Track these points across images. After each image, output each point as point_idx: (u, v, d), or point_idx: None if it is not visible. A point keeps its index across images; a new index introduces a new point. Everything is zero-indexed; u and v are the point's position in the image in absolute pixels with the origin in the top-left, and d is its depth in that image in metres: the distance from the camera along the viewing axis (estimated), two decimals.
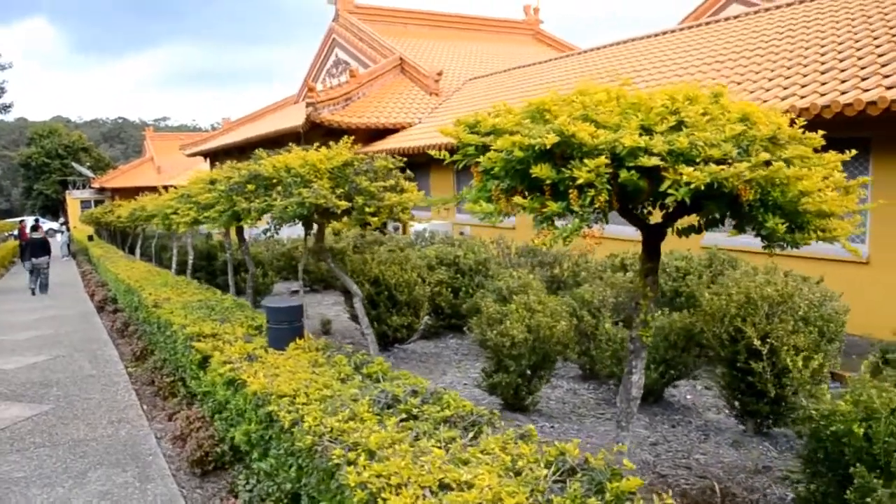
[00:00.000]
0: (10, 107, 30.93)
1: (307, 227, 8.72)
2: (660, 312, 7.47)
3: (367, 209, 6.42)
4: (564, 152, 3.59)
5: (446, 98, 25.70)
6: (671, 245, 11.67)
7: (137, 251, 22.61)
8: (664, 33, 20.60)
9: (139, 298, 11.54)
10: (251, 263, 10.95)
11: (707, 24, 19.57)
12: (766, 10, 18.07)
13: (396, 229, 20.02)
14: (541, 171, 3.49)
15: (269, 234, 7.88)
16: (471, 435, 3.61)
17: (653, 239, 4.45)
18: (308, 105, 21.40)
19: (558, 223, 3.77)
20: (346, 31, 31.75)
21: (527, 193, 3.75)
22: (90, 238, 34.27)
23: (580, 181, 3.40)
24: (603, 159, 3.40)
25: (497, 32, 36.91)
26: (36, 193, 67.87)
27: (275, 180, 6.66)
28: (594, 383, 8.35)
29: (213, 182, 8.00)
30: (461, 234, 17.85)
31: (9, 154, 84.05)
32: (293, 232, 20.57)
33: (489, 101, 22.58)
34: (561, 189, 3.52)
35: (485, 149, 3.89)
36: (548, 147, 3.43)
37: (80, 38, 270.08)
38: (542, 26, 38.77)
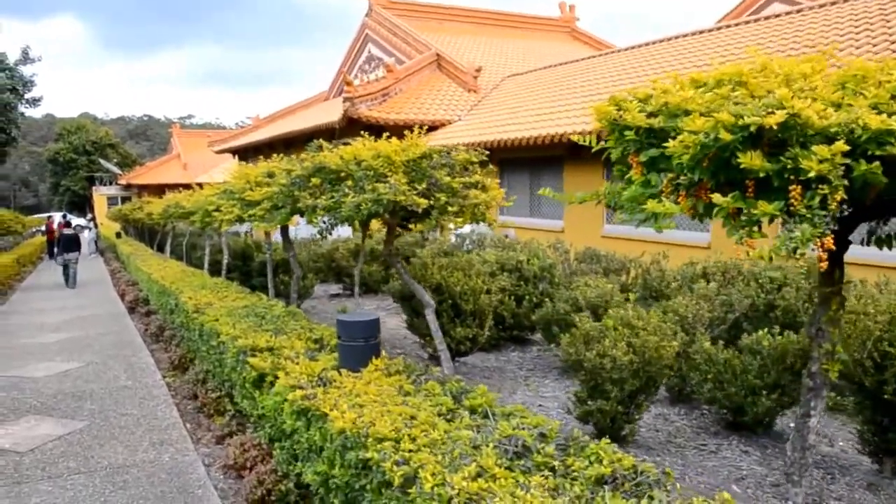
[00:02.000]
0: (39, 100, 30.45)
1: (364, 227, 7.90)
2: (764, 330, 6.57)
3: (449, 208, 5.57)
4: (774, 137, 2.72)
5: (485, 95, 24.83)
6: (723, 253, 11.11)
7: (167, 249, 21.92)
8: (703, 32, 19.75)
9: (176, 301, 10.79)
10: (297, 266, 10.15)
11: (746, 22, 18.65)
12: (810, 8, 17.22)
13: (432, 232, 19.18)
14: (751, 160, 2.62)
15: (323, 234, 7.08)
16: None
17: (841, 248, 3.55)
18: (345, 100, 20.62)
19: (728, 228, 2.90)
20: (379, 27, 30.98)
21: (713, 190, 2.88)
22: (118, 235, 33.81)
23: (811, 174, 2.52)
24: (841, 145, 2.52)
25: (532, 30, 35.97)
26: (63, 189, 67.91)
27: (343, 174, 5.84)
28: (684, 407, 7.47)
29: (270, 175, 7.17)
30: (505, 236, 16.91)
31: (37, 150, 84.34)
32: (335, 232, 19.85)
33: (530, 99, 21.78)
34: (776, 184, 2.64)
35: (649, 133, 3.03)
36: (770, 127, 2.56)
37: (107, 35, 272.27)
38: (577, 24, 37.77)
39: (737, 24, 19.05)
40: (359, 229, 8.15)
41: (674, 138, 2.83)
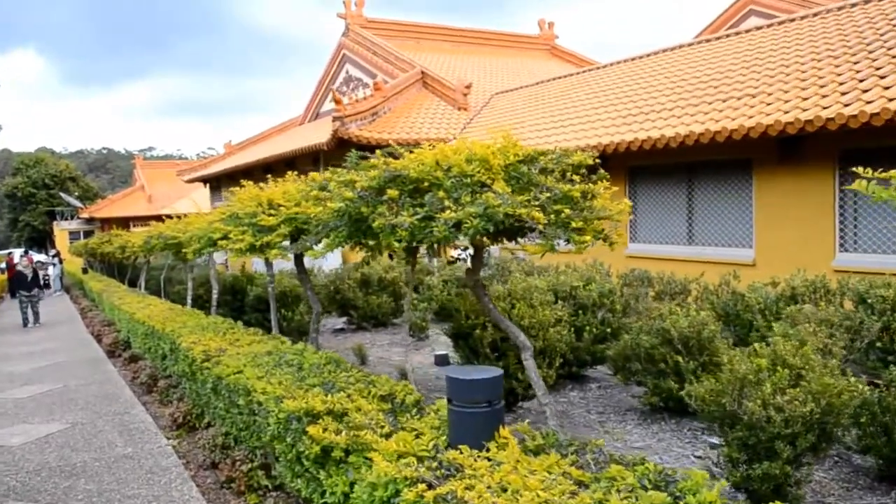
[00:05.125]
0: None
1: (413, 253, 6.53)
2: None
3: (572, 223, 4.25)
4: None
5: (476, 113, 23.69)
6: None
7: (142, 284, 20.25)
8: (682, 47, 19.20)
9: (172, 346, 9.28)
10: (316, 301, 8.72)
11: (727, 36, 17.97)
12: (770, 25, 16.67)
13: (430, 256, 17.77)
14: None
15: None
16: None
17: None
18: (335, 119, 19.27)
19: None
20: (357, 46, 29.75)
21: None
22: (84, 270, 31.85)
23: None
24: None
25: (511, 47, 35.10)
26: (22, 225, 65.36)
27: (426, 183, 4.50)
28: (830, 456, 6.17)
29: (322, 188, 5.73)
30: (514, 257, 15.52)
31: None
32: (333, 262, 18.38)
33: (524, 116, 20.70)
34: None
35: None
36: None
37: (63, 69, 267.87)
38: (557, 41, 37.01)
39: (717, 38, 18.43)
40: (402, 255, 6.79)
41: None
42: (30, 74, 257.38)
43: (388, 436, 4.08)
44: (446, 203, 4.23)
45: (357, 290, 13.50)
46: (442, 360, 10.42)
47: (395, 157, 5.26)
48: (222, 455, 6.45)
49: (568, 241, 4.34)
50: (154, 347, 10.86)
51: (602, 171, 4.85)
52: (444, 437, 3.86)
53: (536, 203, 4.18)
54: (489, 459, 3.44)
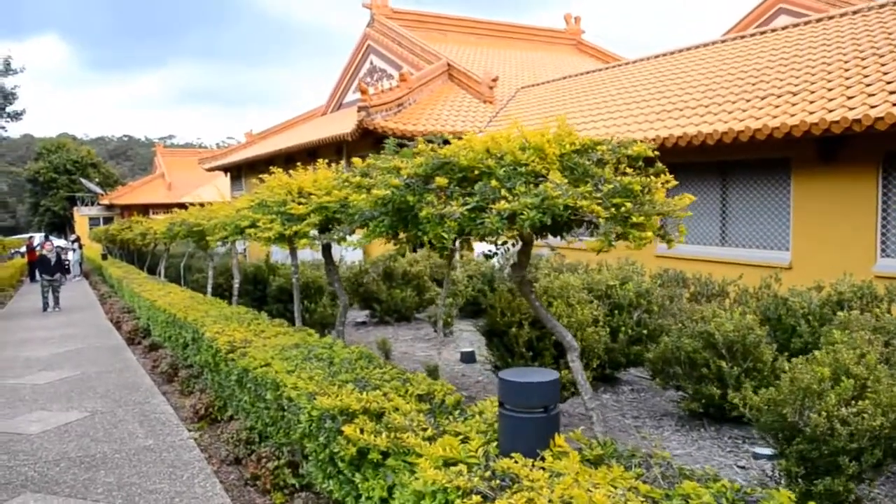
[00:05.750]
0: (21, 114, 28.56)
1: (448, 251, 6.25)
2: None
3: (632, 218, 3.97)
4: None
5: (502, 106, 23.38)
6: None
7: (161, 272, 20.10)
8: (714, 43, 18.91)
9: (195, 335, 9.08)
10: (343, 293, 8.48)
11: (761, 33, 17.56)
12: (807, 22, 16.34)
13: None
14: None
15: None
16: None
17: None
18: (360, 109, 19.01)
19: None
20: (382, 37, 29.49)
21: None
22: (104, 256, 31.83)
23: None
24: None
25: (537, 42, 34.70)
26: (43, 210, 65.69)
27: (476, 171, 4.23)
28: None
29: (365, 174, 5.43)
30: (540, 256, 15.23)
31: (15, 170, 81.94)
32: (355, 254, 18.15)
33: (550, 110, 20.36)
34: None
35: None
36: None
37: (86, 56, 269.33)
38: (583, 36, 36.58)
39: (742, 37, 18.21)
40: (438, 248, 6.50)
41: None
42: (53, 61, 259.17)
43: (431, 439, 3.82)
44: (503, 192, 3.94)
45: (381, 284, 13.26)
46: (468, 357, 10.16)
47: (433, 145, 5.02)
48: (246, 451, 6.23)
49: (627, 237, 4.06)
50: (175, 336, 10.67)
51: (660, 164, 4.55)
52: (493, 444, 3.59)
53: (599, 195, 3.90)
54: (546, 470, 3.17)
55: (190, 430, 7.34)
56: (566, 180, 4.06)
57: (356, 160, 5.75)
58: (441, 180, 4.26)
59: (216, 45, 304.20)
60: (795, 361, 4.71)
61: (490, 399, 4.38)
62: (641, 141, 4.58)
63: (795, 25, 16.69)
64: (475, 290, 13.40)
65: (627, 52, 35.72)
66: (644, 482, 3.05)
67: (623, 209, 3.93)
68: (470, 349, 10.43)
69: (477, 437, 3.72)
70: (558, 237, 4.98)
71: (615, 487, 2.95)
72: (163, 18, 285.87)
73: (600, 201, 3.92)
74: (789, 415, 4.41)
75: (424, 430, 3.96)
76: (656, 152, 4.64)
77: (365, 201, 4.78)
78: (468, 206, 4.04)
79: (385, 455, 3.95)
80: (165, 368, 9.94)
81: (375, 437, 3.93)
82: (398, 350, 11.09)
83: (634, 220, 3.97)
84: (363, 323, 13.76)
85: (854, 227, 10.83)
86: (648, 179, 4.32)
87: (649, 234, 4.02)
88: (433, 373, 8.95)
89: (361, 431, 4.07)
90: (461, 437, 3.77)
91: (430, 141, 5.28)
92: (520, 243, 5.17)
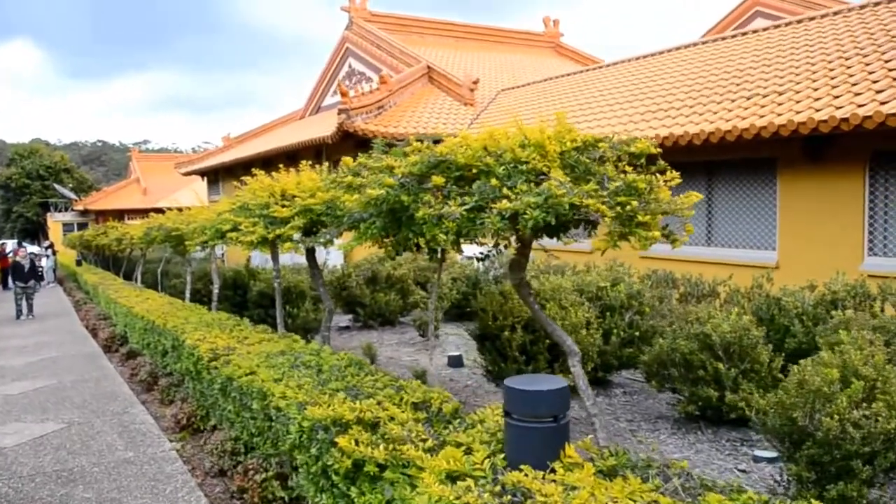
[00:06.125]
0: None
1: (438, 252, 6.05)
2: None
3: (637, 217, 3.80)
4: None
5: (483, 109, 23.24)
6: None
7: (138, 278, 19.71)
8: (695, 45, 18.90)
9: (175, 343, 8.81)
10: (327, 297, 8.27)
11: (742, 34, 17.65)
12: (788, 24, 16.34)
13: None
14: None
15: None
16: None
17: None
18: (341, 112, 18.77)
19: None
20: (361, 40, 29.25)
21: None
22: (78, 262, 31.28)
23: None
24: None
25: (516, 44, 34.63)
26: (15, 216, 64.64)
27: (474, 170, 4.05)
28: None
29: (356, 173, 5.19)
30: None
31: None
32: (335, 258, 17.90)
33: (532, 112, 20.24)
34: None
35: None
36: None
37: (59, 62, 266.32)
38: (561, 39, 36.57)
39: (723, 38, 18.26)
40: (426, 251, 6.31)
41: None
42: (26, 66, 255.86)
43: (431, 451, 3.63)
44: (504, 191, 3.76)
45: (364, 288, 13.04)
46: (456, 362, 9.98)
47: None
48: (231, 462, 6.00)
49: (632, 237, 3.89)
50: (154, 343, 10.38)
51: (662, 161, 4.40)
52: (500, 456, 3.40)
53: (605, 194, 3.73)
54: (559, 483, 2.99)
55: (171, 441, 7.08)
56: (568, 179, 3.89)
57: (346, 160, 5.53)
58: (438, 179, 4.06)
59: (193, 52, 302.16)
60: (804, 363, 4.56)
61: (490, 406, 4.20)
62: (642, 138, 4.41)
63: (776, 27, 16.70)
64: (459, 293, 13.23)
65: (604, 55, 35.66)
66: (664, 494, 2.88)
67: (629, 208, 3.77)
68: (457, 353, 10.24)
69: (481, 448, 3.53)
70: (553, 238, 4.81)
71: (634, 501, 2.78)
72: (137, 25, 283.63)
73: (605, 200, 3.75)
74: (799, 418, 4.27)
75: (424, 440, 3.76)
76: (658, 149, 4.47)
77: (357, 202, 4.57)
78: (467, 206, 3.86)
79: (382, 467, 3.75)
80: (144, 377, 9.66)
81: (373, 449, 3.73)
82: (383, 355, 10.88)
83: (640, 219, 3.81)
84: (346, 327, 13.53)
85: (841, 225, 10.78)
86: (651, 177, 4.16)
87: (656, 233, 3.86)
88: (421, 378, 8.77)
89: (357, 443, 3.87)
90: (464, 448, 3.58)
91: (418, 140, 5.11)
92: (512, 245, 4.99)
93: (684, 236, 4.26)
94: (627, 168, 4.47)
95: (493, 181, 3.88)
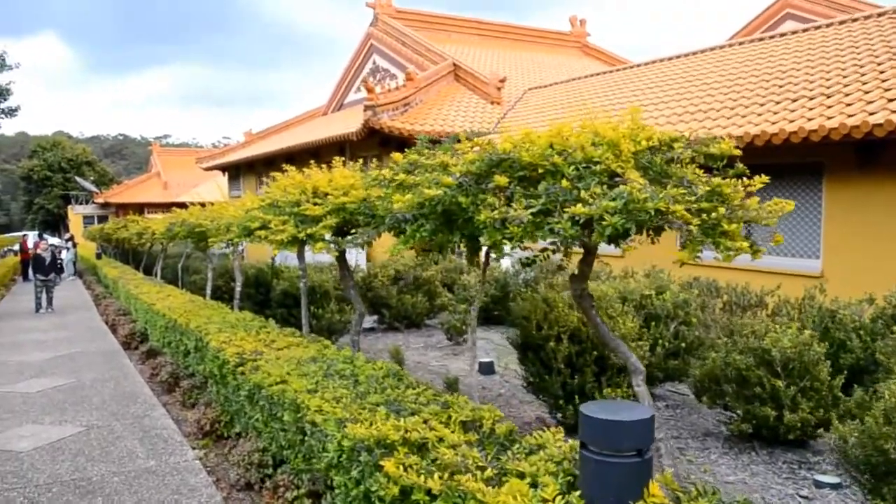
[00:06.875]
0: (15, 111, 27.78)
1: (477, 251, 5.67)
2: None
3: (723, 225, 3.41)
4: None
5: (510, 107, 22.83)
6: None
7: (158, 272, 19.48)
8: (722, 47, 18.48)
9: (199, 344, 8.49)
10: (359, 301, 7.89)
11: (781, 35, 17.12)
12: (829, 25, 15.88)
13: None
14: None
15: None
16: None
17: None
18: (366, 108, 18.44)
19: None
20: (386, 37, 28.93)
21: None
22: (98, 255, 31.17)
23: None
24: None
25: (542, 44, 34.20)
26: (37, 208, 64.98)
27: (540, 170, 3.67)
28: None
29: (408, 171, 4.77)
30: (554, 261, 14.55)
31: (8, 167, 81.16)
32: (359, 259, 17.58)
33: (560, 112, 19.82)
34: None
35: None
36: None
37: (82, 56, 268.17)
38: (588, 39, 36.09)
39: (751, 41, 17.89)
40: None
41: None
42: (50, 60, 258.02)
43: (490, 480, 3.25)
44: (582, 194, 3.37)
45: (390, 289, 12.69)
46: (487, 369, 9.60)
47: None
48: (259, 475, 5.65)
49: (717, 246, 3.49)
50: (175, 343, 10.07)
51: (741, 164, 4.00)
52: (576, 494, 3.00)
53: (692, 199, 3.34)
54: None
55: (195, 449, 6.75)
56: (642, 180, 3.50)
57: (396, 155, 5.16)
58: (501, 179, 3.68)
59: (215, 48, 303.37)
60: (890, 390, 4.14)
61: (551, 430, 3.81)
62: (722, 138, 4.01)
63: (817, 27, 16.20)
64: (487, 296, 12.86)
65: (631, 56, 35.08)
66: None
67: (714, 215, 3.37)
68: (488, 360, 9.86)
69: (548, 480, 3.14)
70: (612, 245, 4.41)
71: None
72: (162, 20, 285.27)
73: (690, 206, 3.36)
74: (891, 451, 3.85)
75: (482, 468, 3.38)
76: (739, 151, 4.06)
77: (408, 202, 4.18)
78: (534, 210, 3.47)
79: (432, 495, 3.38)
80: (165, 377, 9.34)
81: (426, 477, 3.35)
82: (411, 359, 10.52)
83: (724, 227, 3.41)
84: (371, 329, 13.18)
85: (891, 236, 10.28)
86: (737, 182, 3.76)
87: (744, 244, 3.46)
88: (453, 386, 8.40)
89: (405, 468, 3.50)
90: (529, 479, 3.20)
91: (457, 140, 4.74)
92: (561, 250, 4.59)
93: (764, 248, 3.85)
94: (698, 171, 4.08)
95: (564, 182, 3.49)
